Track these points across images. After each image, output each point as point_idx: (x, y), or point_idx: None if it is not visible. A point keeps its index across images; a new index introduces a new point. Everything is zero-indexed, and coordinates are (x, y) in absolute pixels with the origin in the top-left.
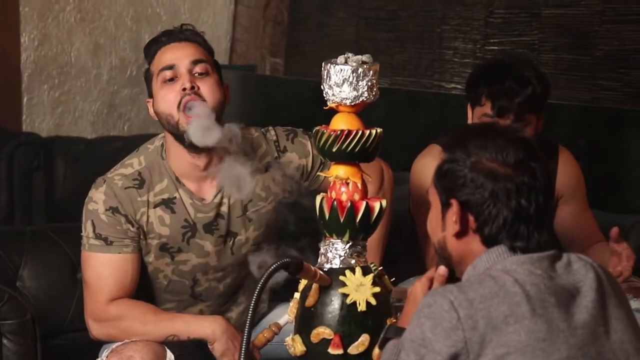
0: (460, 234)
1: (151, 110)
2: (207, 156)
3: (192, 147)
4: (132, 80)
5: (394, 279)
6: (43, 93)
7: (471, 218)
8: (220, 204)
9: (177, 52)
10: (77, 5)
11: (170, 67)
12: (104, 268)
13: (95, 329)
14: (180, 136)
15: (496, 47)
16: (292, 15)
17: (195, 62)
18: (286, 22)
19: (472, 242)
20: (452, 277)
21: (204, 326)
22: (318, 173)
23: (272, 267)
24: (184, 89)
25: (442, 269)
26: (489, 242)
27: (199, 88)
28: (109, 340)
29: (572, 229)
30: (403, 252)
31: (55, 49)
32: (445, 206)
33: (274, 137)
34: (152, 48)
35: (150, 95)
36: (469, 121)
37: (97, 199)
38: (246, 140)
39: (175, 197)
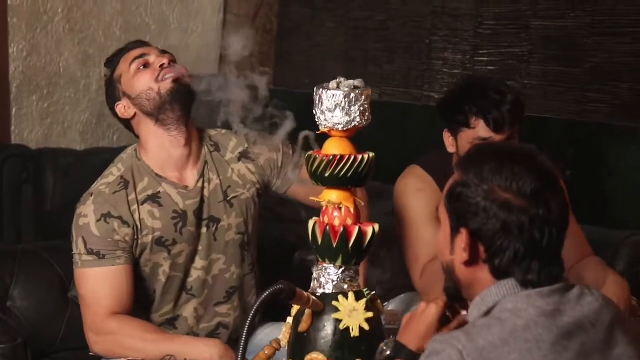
0: (469, 263)
1: (122, 111)
2: (186, 131)
3: (175, 104)
4: None
5: (386, 303)
6: (32, 104)
7: (481, 248)
8: (202, 187)
9: (142, 48)
10: (66, 15)
11: (142, 56)
12: (99, 282)
13: (95, 343)
14: (162, 106)
15: (485, 59)
16: (282, 24)
17: (163, 52)
18: (275, 31)
19: (480, 272)
20: (459, 297)
21: (201, 349)
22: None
23: (265, 294)
24: (162, 65)
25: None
26: (498, 274)
27: (175, 65)
28: (107, 356)
29: None
30: (392, 269)
31: (44, 59)
32: (455, 231)
33: (245, 132)
34: (114, 59)
35: (117, 99)
36: (451, 149)
37: (87, 212)
38: (217, 134)
39: (159, 192)
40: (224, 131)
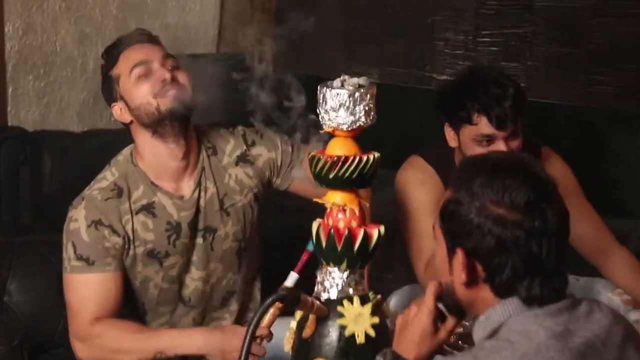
0: (468, 284)
1: (118, 114)
2: (185, 144)
3: (174, 121)
4: None
5: (389, 298)
6: (28, 83)
7: (479, 267)
8: (198, 197)
9: (145, 50)
10: None
11: (143, 63)
12: (87, 288)
13: (81, 350)
14: (161, 121)
15: (488, 39)
16: (281, 2)
17: (167, 57)
18: (274, 9)
19: (482, 291)
20: (462, 312)
21: (189, 341)
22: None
23: (268, 301)
24: (164, 80)
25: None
26: (500, 292)
27: (177, 78)
28: None
29: (574, 231)
30: (396, 259)
31: (40, 38)
32: (451, 251)
33: (242, 132)
34: (113, 52)
35: (114, 100)
36: (452, 143)
37: (78, 216)
38: (214, 135)
39: (154, 202)
40: (221, 130)
